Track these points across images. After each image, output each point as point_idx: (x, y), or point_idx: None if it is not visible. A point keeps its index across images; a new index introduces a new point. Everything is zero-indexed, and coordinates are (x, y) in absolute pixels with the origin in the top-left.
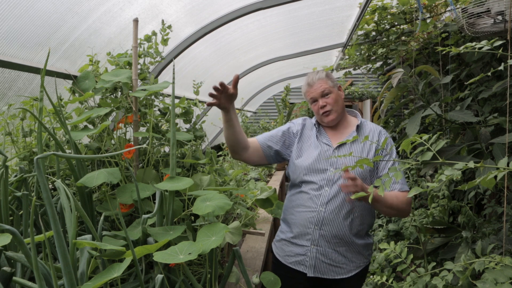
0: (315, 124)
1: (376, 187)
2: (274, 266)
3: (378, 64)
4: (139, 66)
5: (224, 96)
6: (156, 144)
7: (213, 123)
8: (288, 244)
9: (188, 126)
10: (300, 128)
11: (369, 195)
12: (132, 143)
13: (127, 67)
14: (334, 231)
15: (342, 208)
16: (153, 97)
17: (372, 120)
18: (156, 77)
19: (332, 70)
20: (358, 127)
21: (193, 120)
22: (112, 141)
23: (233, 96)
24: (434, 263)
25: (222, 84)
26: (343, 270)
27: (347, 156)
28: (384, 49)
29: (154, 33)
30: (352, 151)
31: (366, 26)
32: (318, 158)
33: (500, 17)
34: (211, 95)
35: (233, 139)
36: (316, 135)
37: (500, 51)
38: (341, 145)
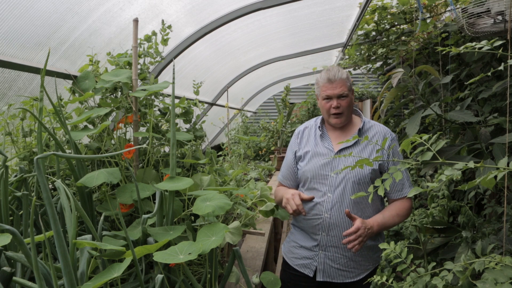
0: (319, 127)
1: (376, 187)
2: (283, 266)
3: (378, 64)
4: (139, 66)
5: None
6: (156, 144)
7: (213, 123)
8: (297, 247)
9: (188, 126)
10: (302, 130)
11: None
12: (132, 143)
13: (127, 67)
14: (342, 235)
15: None
16: (153, 97)
17: None
18: (156, 77)
19: None
20: (360, 131)
21: (193, 120)
22: (112, 141)
23: None
24: (434, 263)
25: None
26: (352, 274)
27: (347, 156)
28: (384, 49)
29: (154, 33)
30: (352, 153)
31: (366, 26)
32: (320, 164)
33: (500, 17)
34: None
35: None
36: (320, 139)
37: (500, 51)
38: (342, 149)
